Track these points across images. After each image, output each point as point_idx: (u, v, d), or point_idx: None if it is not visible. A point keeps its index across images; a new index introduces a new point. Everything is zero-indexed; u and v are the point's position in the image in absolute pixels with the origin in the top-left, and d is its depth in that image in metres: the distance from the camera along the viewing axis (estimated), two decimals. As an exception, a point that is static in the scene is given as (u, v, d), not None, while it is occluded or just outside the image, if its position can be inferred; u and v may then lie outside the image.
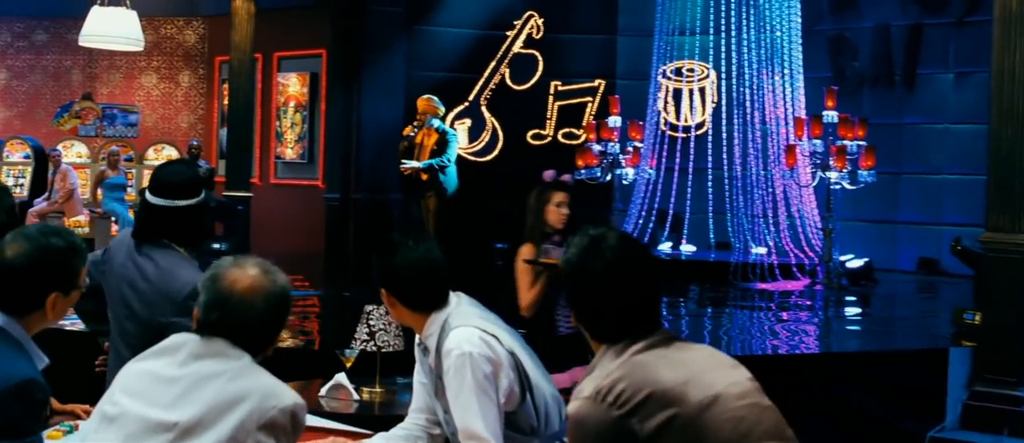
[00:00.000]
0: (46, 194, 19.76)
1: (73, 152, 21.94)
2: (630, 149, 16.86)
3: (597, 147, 16.85)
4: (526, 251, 7.43)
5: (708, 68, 17.76)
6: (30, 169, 21.54)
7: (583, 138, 18.01)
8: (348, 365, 6.37)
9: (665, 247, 17.31)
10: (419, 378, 4.66)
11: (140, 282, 5.02)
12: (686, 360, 3.18)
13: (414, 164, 14.52)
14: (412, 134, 14.65)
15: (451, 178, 14.60)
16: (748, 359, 10.26)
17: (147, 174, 21.40)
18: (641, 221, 17.43)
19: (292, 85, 21.04)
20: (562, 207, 7.47)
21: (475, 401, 4.24)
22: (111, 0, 18.52)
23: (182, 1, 22.71)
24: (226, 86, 19.87)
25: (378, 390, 6.43)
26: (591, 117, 18.68)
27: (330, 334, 11.93)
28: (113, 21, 18.59)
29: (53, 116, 22.85)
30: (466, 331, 4.33)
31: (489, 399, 4.26)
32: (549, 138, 19.39)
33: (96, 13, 18.45)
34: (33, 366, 3.54)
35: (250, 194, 18.04)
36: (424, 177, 14.53)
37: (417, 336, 4.54)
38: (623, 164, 16.85)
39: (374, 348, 6.42)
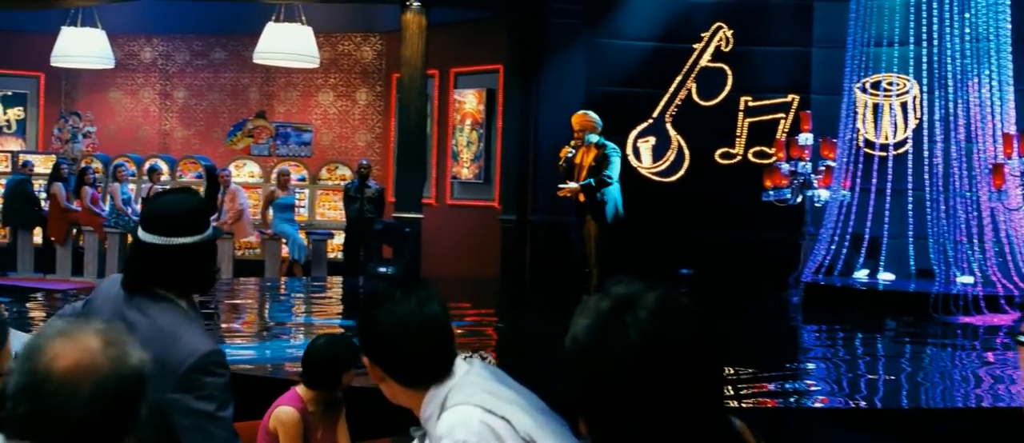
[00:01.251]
0: (216, 214, 19.38)
1: (245, 171, 21.66)
2: (822, 168, 16.11)
3: (786, 166, 15.89)
4: None
5: (909, 81, 16.59)
6: (202, 189, 21.25)
7: (774, 157, 16.91)
8: None
9: (861, 275, 16.25)
10: None
11: None
12: None
13: (571, 185, 13.42)
14: (570, 154, 13.61)
15: (613, 198, 13.40)
16: (945, 413, 9.06)
17: (320, 194, 20.94)
18: (834, 246, 16.40)
19: (468, 102, 20.39)
20: None
21: None
22: (286, 16, 18.27)
23: (359, 17, 22.05)
24: (404, 103, 19.36)
25: None
26: (784, 134, 17.56)
27: (505, 367, 10.99)
28: (288, 38, 18.47)
29: (227, 134, 22.60)
30: (463, 412, 3.25)
31: None
32: (739, 157, 18.50)
33: (271, 30, 18.28)
34: None
35: (419, 215, 17.40)
36: (581, 198, 13.47)
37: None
38: (815, 184, 16.15)
39: None
